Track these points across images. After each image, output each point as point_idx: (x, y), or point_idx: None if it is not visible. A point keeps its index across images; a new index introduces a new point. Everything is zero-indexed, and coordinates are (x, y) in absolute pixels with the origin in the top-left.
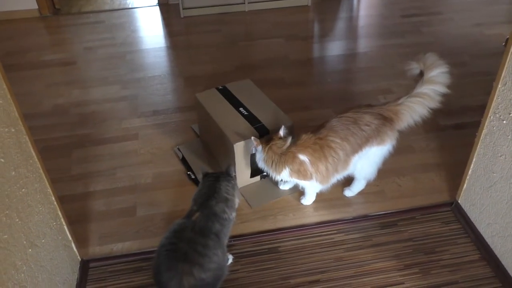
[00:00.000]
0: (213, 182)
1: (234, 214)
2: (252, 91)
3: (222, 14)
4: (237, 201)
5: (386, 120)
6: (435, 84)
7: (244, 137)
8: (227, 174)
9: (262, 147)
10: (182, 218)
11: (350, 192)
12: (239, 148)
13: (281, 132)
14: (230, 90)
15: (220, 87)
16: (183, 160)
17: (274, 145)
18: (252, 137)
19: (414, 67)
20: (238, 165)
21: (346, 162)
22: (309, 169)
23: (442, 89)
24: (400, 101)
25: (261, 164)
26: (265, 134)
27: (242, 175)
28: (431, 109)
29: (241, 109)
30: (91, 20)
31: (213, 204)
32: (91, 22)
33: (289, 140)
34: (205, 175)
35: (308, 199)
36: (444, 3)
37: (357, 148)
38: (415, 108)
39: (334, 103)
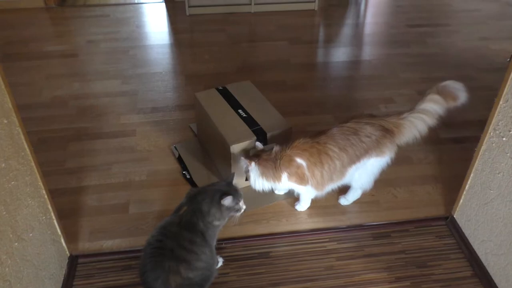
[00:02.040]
0: (211, 186)
1: (218, 223)
2: (252, 93)
3: (227, 14)
4: (223, 222)
5: (387, 132)
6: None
7: (242, 139)
8: (220, 198)
9: (255, 162)
10: (171, 215)
11: (345, 200)
12: (236, 150)
13: (257, 144)
14: (230, 91)
15: (220, 88)
16: (179, 159)
17: (264, 155)
18: (242, 158)
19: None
20: (234, 167)
21: (342, 172)
22: (306, 173)
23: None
24: (403, 116)
25: (259, 182)
26: (263, 137)
27: (237, 178)
28: (430, 126)
29: (240, 110)
30: (96, 13)
31: (200, 200)
32: (96, 15)
33: (274, 146)
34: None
35: (303, 205)
36: (452, 15)
37: (355, 159)
38: (416, 124)
39: (335, 109)
